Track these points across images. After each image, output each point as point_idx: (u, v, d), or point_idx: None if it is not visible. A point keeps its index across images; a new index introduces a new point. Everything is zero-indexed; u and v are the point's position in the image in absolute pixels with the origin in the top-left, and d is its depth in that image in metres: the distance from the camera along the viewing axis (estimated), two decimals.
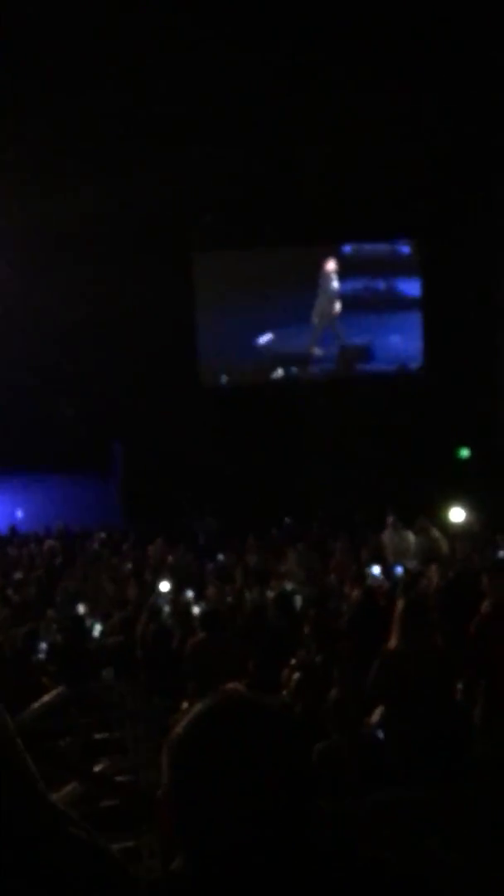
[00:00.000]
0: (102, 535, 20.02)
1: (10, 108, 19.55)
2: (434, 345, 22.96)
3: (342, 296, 23.88)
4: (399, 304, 23.90)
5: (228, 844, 1.45)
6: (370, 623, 9.32)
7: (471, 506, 18.09)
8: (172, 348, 22.91)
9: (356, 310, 23.90)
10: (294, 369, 24.13)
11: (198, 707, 1.56)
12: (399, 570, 14.40)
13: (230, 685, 6.59)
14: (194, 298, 23.95)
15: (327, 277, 23.64)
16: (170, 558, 17.25)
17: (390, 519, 16.88)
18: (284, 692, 7.63)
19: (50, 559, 18.13)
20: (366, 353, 23.96)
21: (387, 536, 16.53)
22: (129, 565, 16.90)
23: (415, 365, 23.87)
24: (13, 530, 21.14)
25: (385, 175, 21.03)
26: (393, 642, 5.65)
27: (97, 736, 6.52)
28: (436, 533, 16.72)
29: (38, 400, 23.16)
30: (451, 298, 21.87)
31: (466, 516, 17.79)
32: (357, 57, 19.58)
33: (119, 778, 5.77)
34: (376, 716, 5.97)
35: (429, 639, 5.67)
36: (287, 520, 19.58)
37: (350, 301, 23.93)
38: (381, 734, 5.86)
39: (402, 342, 23.83)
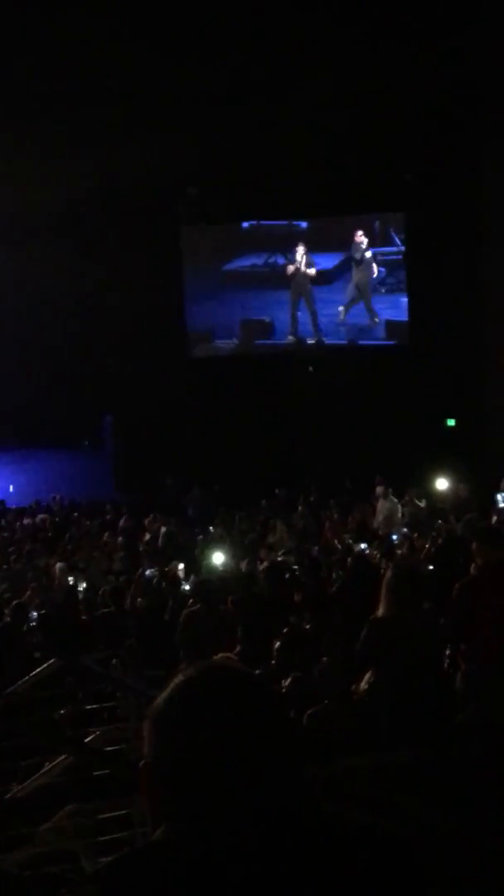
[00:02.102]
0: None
1: None
2: (420, 316, 22.93)
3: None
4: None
5: (210, 814, 1.45)
6: (360, 591, 9.41)
7: (457, 475, 18.18)
8: (161, 321, 22.86)
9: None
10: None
11: (178, 678, 1.56)
12: (394, 537, 14.53)
13: (215, 657, 6.68)
14: (182, 271, 23.90)
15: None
16: (163, 530, 17.33)
17: (379, 489, 16.98)
18: (274, 660, 7.72)
19: (42, 532, 18.18)
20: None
21: (379, 505, 16.66)
22: (121, 538, 16.98)
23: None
24: (3, 505, 21.17)
25: (372, 148, 20.90)
26: (381, 610, 5.70)
27: (89, 707, 6.56)
28: (421, 503, 16.85)
29: (29, 375, 23.14)
30: (436, 271, 21.83)
31: (452, 485, 17.89)
32: (345, 32, 19.45)
33: (110, 748, 5.82)
34: (364, 682, 6.04)
35: (416, 606, 5.71)
36: (277, 491, 19.66)
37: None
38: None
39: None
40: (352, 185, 21.44)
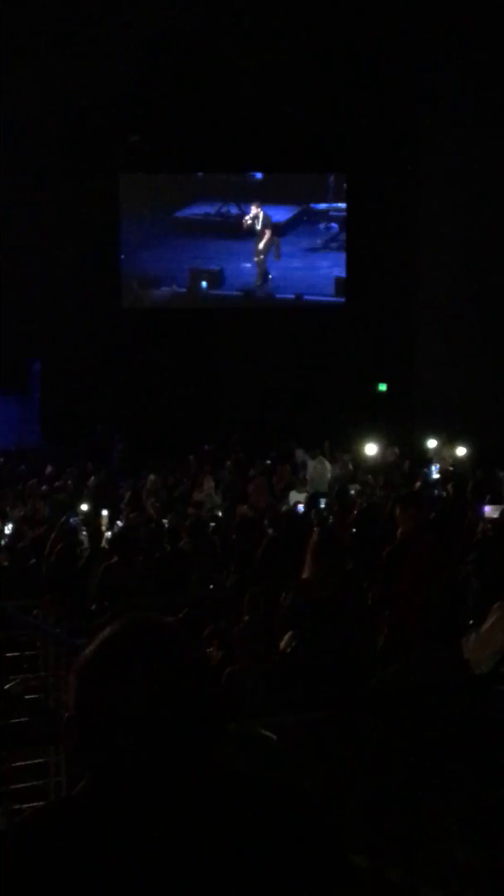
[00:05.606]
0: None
1: None
2: (358, 278, 22.97)
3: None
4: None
5: (131, 768, 1.48)
6: (286, 551, 9.45)
7: (387, 440, 18.32)
8: (95, 268, 22.51)
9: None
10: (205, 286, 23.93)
11: (104, 631, 1.58)
12: (322, 502, 14.57)
13: (139, 610, 6.65)
14: (119, 219, 23.55)
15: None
16: (91, 479, 17.22)
17: (298, 452, 17.10)
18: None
19: None
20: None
21: (310, 466, 16.76)
22: (45, 486, 16.80)
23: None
24: None
25: (314, 104, 20.76)
26: (305, 572, 5.72)
27: (8, 654, 6.54)
28: (350, 465, 16.98)
29: None
30: (372, 232, 21.86)
31: (381, 450, 18.04)
32: None
33: (28, 696, 5.80)
34: (285, 642, 6.08)
35: (339, 569, 5.73)
36: (205, 447, 19.60)
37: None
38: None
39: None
40: (298, 141, 21.31)
